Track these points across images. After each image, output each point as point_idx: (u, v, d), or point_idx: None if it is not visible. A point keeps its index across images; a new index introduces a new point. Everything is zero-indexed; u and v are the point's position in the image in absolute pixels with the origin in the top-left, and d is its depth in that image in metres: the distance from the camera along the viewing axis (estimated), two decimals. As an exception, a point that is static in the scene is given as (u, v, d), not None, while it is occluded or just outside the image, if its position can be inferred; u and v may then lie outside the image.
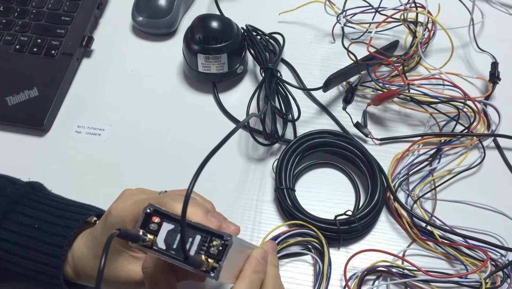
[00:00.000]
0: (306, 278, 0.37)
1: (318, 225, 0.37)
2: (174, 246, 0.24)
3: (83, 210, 0.33)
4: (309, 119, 0.46)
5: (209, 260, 0.24)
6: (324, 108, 0.47)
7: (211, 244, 0.24)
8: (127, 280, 0.30)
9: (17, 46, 0.48)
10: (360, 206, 0.40)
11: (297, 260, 0.38)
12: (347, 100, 0.44)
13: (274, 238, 0.37)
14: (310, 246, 0.38)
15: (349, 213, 0.38)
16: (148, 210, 0.25)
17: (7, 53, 0.48)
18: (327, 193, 0.42)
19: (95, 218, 0.34)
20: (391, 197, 0.40)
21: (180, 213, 0.26)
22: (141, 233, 0.24)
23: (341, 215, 0.38)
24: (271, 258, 0.29)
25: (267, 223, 0.40)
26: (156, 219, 0.25)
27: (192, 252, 0.24)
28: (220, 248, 0.24)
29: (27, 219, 0.32)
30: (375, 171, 0.40)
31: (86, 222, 0.33)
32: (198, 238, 0.24)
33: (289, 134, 0.44)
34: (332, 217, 0.39)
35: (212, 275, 0.23)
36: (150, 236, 0.24)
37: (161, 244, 0.24)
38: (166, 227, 0.24)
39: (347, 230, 0.38)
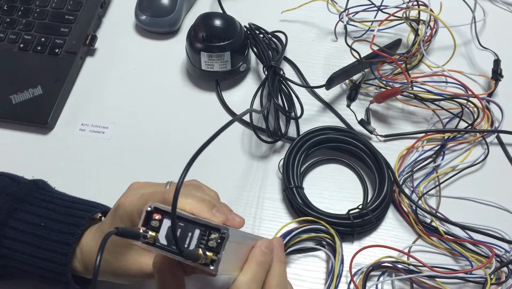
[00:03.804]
0: (318, 275, 0.37)
1: (331, 220, 0.38)
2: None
3: (88, 207, 0.33)
4: (312, 117, 0.46)
5: (208, 253, 0.24)
6: (328, 106, 0.47)
7: (209, 237, 0.24)
8: (138, 273, 0.30)
9: (21, 45, 0.49)
10: (369, 199, 0.40)
11: (310, 255, 0.38)
12: (351, 98, 0.45)
13: (287, 234, 0.37)
14: (324, 242, 0.38)
15: (361, 206, 0.39)
16: (149, 208, 0.25)
17: (11, 52, 0.48)
18: (333, 189, 0.42)
19: (100, 215, 0.34)
20: (397, 191, 0.40)
21: (182, 208, 0.26)
22: (141, 231, 0.24)
23: (354, 209, 0.38)
24: (278, 254, 0.29)
25: (270, 220, 0.40)
26: (157, 216, 0.25)
27: (192, 246, 0.24)
28: (218, 240, 0.24)
29: (33, 218, 0.32)
30: (381, 164, 0.41)
31: (92, 218, 0.33)
32: (197, 232, 0.24)
33: (292, 132, 0.44)
34: (341, 212, 0.39)
35: (211, 268, 0.24)
36: (152, 233, 0.25)
37: (162, 240, 0.24)
38: (167, 223, 0.25)
39: (360, 223, 0.38)
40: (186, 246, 0.24)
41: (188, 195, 0.28)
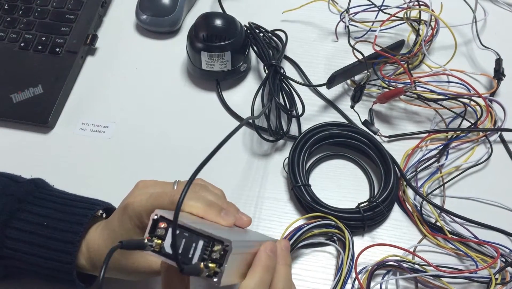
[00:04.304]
0: (327, 270, 0.37)
1: (341, 215, 0.38)
2: (180, 251, 0.24)
3: (90, 205, 0.33)
4: (312, 117, 0.46)
5: (211, 264, 0.24)
6: (330, 103, 0.47)
7: (212, 249, 0.24)
8: (147, 270, 0.30)
9: (22, 44, 0.48)
10: (376, 192, 0.40)
11: (321, 250, 0.38)
12: (355, 99, 0.44)
13: (298, 229, 0.37)
14: (335, 238, 0.38)
15: (371, 198, 0.39)
16: (155, 216, 0.25)
17: (12, 51, 0.48)
18: (339, 184, 0.42)
19: (101, 211, 0.34)
20: (401, 189, 0.40)
21: (189, 210, 0.27)
22: (146, 240, 0.24)
23: (363, 202, 0.38)
24: (284, 257, 0.28)
25: (274, 219, 0.40)
26: (163, 224, 0.25)
27: (196, 256, 0.24)
28: (222, 252, 0.24)
29: (35, 217, 0.32)
30: (385, 156, 0.41)
31: (94, 216, 0.33)
32: (200, 243, 0.24)
33: (293, 131, 0.44)
34: (349, 206, 0.39)
35: (214, 280, 0.24)
36: (157, 241, 0.25)
37: (168, 249, 0.25)
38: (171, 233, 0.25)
39: (371, 216, 0.38)
40: (190, 256, 0.24)
41: (196, 197, 0.28)
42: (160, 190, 0.30)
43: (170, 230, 0.25)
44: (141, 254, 0.30)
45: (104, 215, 0.35)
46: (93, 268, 0.32)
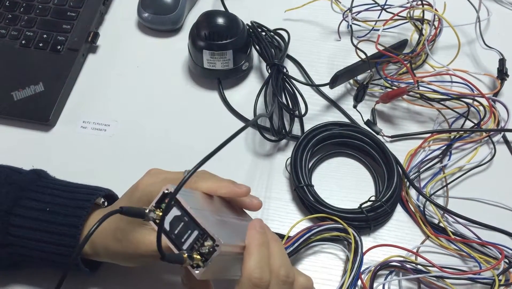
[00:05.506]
0: (331, 272, 0.37)
1: (345, 216, 0.37)
2: (175, 232, 0.25)
3: (92, 191, 0.33)
4: (315, 116, 0.46)
5: (197, 256, 0.24)
6: (333, 103, 0.47)
7: (203, 242, 0.24)
8: (148, 251, 0.30)
9: (23, 42, 0.48)
10: (379, 191, 0.40)
11: (324, 251, 0.38)
12: (358, 99, 0.44)
13: (307, 231, 0.36)
14: (346, 242, 0.37)
15: (373, 198, 0.39)
16: (166, 190, 0.26)
17: (13, 48, 0.48)
18: (341, 184, 0.41)
19: (102, 200, 0.34)
20: (404, 190, 0.40)
21: (208, 189, 0.28)
22: (147, 211, 0.25)
23: (365, 202, 0.38)
24: (271, 233, 0.29)
25: (277, 220, 0.40)
26: (168, 200, 0.25)
27: (187, 243, 0.25)
28: (210, 249, 0.24)
29: (38, 204, 0.32)
30: (388, 155, 0.40)
31: (96, 204, 0.33)
32: (195, 233, 0.25)
33: (296, 131, 0.44)
34: (352, 206, 0.39)
35: (196, 272, 0.24)
36: (159, 213, 0.25)
37: (166, 224, 0.25)
38: (174, 212, 0.25)
39: (374, 216, 0.38)
40: (183, 240, 0.25)
41: (212, 178, 0.29)
42: (173, 176, 0.30)
43: (173, 209, 0.25)
44: (142, 233, 0.30)
45: (106, 204, 0.35)
46: (95, 253, 0.32)
